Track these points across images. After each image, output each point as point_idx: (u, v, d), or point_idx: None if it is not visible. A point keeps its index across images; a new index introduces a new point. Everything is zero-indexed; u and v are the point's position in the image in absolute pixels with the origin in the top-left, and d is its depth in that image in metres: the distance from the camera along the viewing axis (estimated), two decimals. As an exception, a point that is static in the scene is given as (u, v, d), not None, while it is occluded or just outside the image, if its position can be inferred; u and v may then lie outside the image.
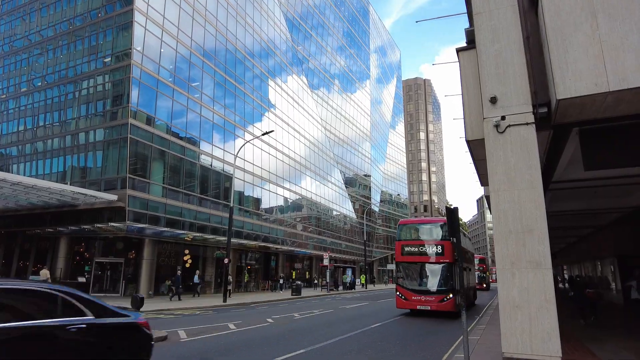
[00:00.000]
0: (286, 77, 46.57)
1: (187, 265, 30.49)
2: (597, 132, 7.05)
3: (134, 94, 25.43)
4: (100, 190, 24.62)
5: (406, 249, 17.51)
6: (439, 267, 16.63)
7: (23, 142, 30.54)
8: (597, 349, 9.23)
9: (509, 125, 6.70)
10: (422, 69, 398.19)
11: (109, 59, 27.23)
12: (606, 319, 15.26)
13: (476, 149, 8.15)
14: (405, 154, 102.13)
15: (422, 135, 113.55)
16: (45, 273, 21.72)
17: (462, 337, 6.48)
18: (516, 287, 6.22)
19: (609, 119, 6.67)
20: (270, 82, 42.71)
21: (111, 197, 23.56)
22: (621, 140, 6.94)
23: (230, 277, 31.01)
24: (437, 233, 17.58)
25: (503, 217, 6.49)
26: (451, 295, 16.02)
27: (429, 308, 16.29)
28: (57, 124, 28.82)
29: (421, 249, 17.15)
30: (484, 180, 11.26)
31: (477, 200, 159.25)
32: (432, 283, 16.66)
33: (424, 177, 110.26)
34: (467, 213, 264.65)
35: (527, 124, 6.62)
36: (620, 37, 5.92)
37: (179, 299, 23.92)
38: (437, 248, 16.76)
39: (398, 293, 17.28)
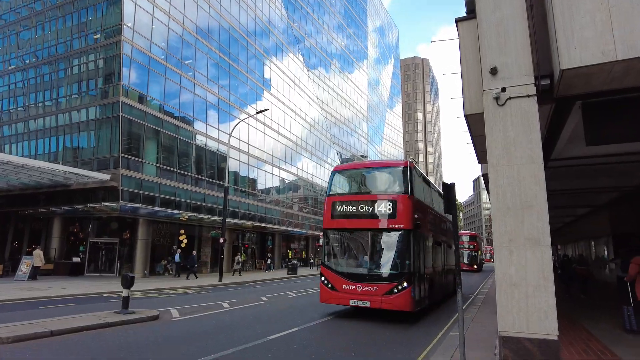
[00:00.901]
0: (282, 56, 45.64)
1: (183, 245, 30.43)
2: (602, 105, 6.76)
3: (125, 71, 24.79)
4: (92, 169, 24.26)
5: (339, 208, 11.65)
6: (388, 236, 10.96)
7: (15, 121, 29.94)
8: (592, 327, 9.21)
9: (510, 98, 6.40)
10: (419, 49, 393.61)
11: (99, 35, 26.45)
12: (600, 297, 15.30)
13: (475, 124, 7.85)
14: (402, 135, 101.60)
15: (420, 115, 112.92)
16: (38, 253, 21.56)
17: (457, 314, 6.34)
18: (514, 265, 6.03)
19: (615, 91, 6.37)
20: (266, 61, 41.86)
21: (104, 176, 23.21)
22: (628, 113, 6.66)
23: (239, 256, 31.22)
24: (388, 183, 11.80)
25: (501, 193, 6.25)
26: (406, 284, 10.22)
27: (368, 304, 10.44)
28: (49, 102, 28.20)
29: (362, 207, 11.21)
30: (482, 157, 11.00)
31: (474, 181, 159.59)
32: (376, 262, 11.06)
33: (421, 158, 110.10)
34: (463, 194, 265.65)
35: (528, 96, 6.31)
36: (630, 2, 5.58)
37: (196, 277, 25.00)
38: (386, 206, 10.87)
39: (323, 278, 11.40)
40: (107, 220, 28.06)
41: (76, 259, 26.32)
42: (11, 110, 30.41)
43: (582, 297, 14.93)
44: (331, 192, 12.22)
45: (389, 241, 11.03)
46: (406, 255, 10.53)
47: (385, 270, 10.84)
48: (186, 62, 29.88)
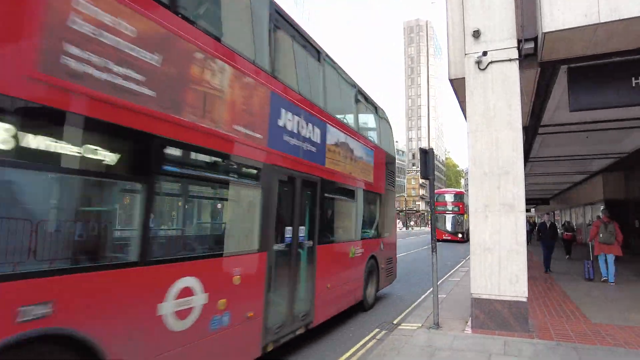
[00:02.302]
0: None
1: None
2: (586, 70, 6.65)
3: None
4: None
5: None
6: None
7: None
8: (567, 287, 9.54)
9: (491, 62, 6.27)
10: (423, 12, 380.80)
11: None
12: (582, 258, 15.66)
13: (460, 88, 7.74)
14: (404, 99, 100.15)
15: (423, 79, 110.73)
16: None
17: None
18: (488, 230, 6.11)
19: (598, 55, 6.25)
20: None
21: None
22: (612, 79, 6.54)
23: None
24: None
25: (479, 159, 6.26)
26: None
27: None
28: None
29: None
30: (471, 123, 10.93)
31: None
32: None
33: (424, 123, 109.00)
34: (466, 160, 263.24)
35: (510, 60, 6.19)
36: (615, -39, 5.37)
37: None
38: None
39: None
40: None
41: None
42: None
43: (567, 259, 15.65)
44: None
45: None
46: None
47: None
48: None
